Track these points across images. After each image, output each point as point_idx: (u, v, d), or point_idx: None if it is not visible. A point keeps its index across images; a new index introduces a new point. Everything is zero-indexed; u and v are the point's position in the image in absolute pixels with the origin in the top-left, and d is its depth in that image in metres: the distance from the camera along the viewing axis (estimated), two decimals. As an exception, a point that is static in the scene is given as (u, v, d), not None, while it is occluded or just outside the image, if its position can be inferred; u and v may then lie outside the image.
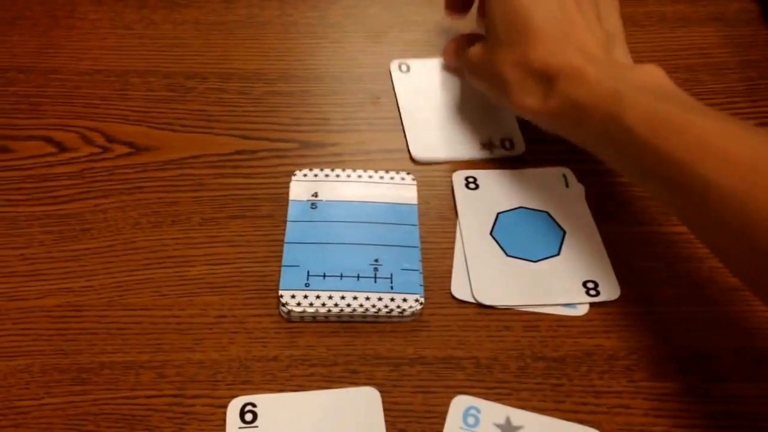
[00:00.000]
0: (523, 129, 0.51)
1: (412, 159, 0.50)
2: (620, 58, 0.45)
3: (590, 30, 0.44)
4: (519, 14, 0.44)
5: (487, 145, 0.51)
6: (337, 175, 0.48)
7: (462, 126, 0.52)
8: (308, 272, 0.43)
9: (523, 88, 0.44)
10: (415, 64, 0.56)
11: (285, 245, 0.44)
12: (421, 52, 0.57)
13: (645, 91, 0.39)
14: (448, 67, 0.56)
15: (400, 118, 0.52)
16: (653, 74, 0.41)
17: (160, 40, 0.56)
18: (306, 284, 0.43)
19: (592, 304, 0.43)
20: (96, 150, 0.49)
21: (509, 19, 0.45)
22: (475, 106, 0.53)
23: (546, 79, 0.43)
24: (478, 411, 0.39)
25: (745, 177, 0.34)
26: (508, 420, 0.38)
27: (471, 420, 0.38)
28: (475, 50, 0.49)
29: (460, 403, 0.39)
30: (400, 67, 0.56)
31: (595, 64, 0.42)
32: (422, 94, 0.54)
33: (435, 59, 0.56)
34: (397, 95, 0.54)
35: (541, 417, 0.39)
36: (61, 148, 0.49)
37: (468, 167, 0.49)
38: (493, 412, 0.39)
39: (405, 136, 0.51)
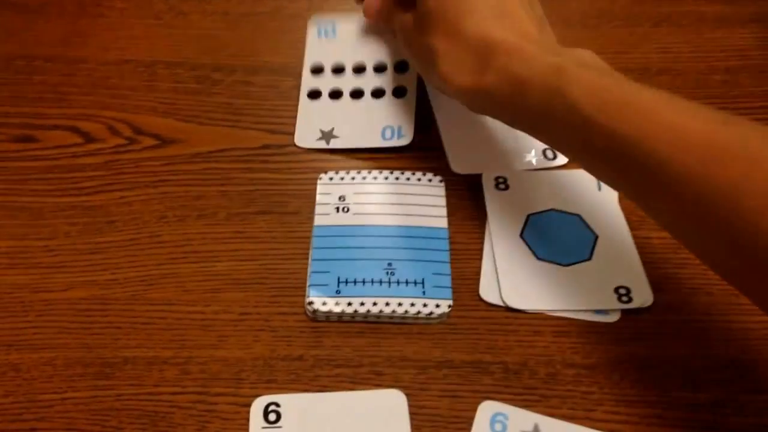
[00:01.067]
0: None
1: (451, 170, 0.48)
2: (549, 37, 0.43)
3: (524, 8, 0.42)
4: None
5: (529, 155, 0.50)
6: (363, 178, 0.47)
7: (502, 135, 0.51)
8: (338, 278, 0.43)
9: (454, 61, 0.42)
10: None
11: (313, 250, 0.44)
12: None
13: (587, 67, 0.38)
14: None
15: (434, 118, 0.51)
16: (590, 55, 0.39)
17: (189, 30, 0.55)
18: (337, 291, 0.42)
19: (624, 311, 0.42)
20: (122, 141, 0.49)
21: None
22: None
23: (481, 53, 0.41)
24: (506, 417, 0.38)
25: (702, 155, 0.32)
26: (536, 427, 0.38)
27: (498, 426, 0.38)
28: (407, 18, 0.46)
29: (487, 409, 0.38)
30: None
31: (535, 41, 0.40)
32: None
33: None
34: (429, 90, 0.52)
35: (570, 425, 0.38)
36: (88, 138, 0.49)
37: (499, 167, 0.48)
38: (521, 419, 0.38)
39: (442, 143, 0.50)
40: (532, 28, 0.42)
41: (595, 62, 0.39)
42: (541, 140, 0.41)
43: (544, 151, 0.49)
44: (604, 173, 0.39)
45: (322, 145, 0.50)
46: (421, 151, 0.49)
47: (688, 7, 0.59)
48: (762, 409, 0.38)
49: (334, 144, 0.50)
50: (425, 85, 0.51)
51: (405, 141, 0.49)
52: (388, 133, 0.50)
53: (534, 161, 0.49)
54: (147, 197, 0.46)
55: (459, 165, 0.49)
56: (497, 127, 0.50)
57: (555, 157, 0.49)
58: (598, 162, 0.38)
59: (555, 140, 0.40)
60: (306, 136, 0.50)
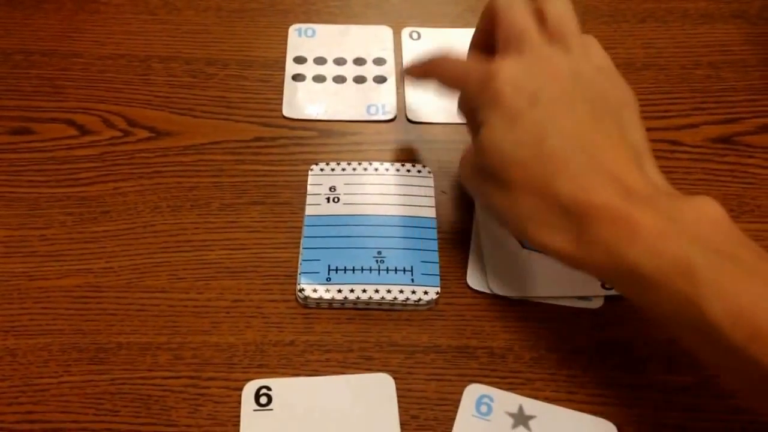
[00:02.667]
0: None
1: (408, 119, 0.52)
2: (654, 177, 0.37)
3: (614, 147, 0.36)
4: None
5: None
6: (354, 169, 0.48)
7: None
8: (329, 266, 0.43)
9: (544, 222, 0.36)
10: (427, 32, 0.57)
11: (304, 239, 0.45)
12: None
13: (721, 258, 0.31)
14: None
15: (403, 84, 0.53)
16: (711, 212, 0.33)
17: (183, 26, 0.56)
18: (327, 278, 0.43)
19: (607, 297, 0.43)
20: (117, 134, 0.50)
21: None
22: None
23: (574, 216, 0.35)
24: (491, 400, 0.39)
25: None
26: (521, 409, 0.39)
27: (484, 408, 0.39)
28: (468, 154, 0.41)
29: (473, 392, 0.39)
30: (411, 35, 0.57)
31: (640, 202, 0.34)
32: None
33: (448, 29, 0.57)
34: (404, 62, 0.55)
35: (554, 407, 0.39)
36: (83, 131, 0.50)
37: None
38: (506, 401, 0.39)
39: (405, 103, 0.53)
40: (633, 172, 0.35)
41: (719, 227, 0.33)
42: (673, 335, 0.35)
43: None
44: (752, 399, 0.34)
45: (310, 116, 0.51)
46: (411, 144, 0.51)
47: (672, 3, 0.60)
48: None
49: (321, 116, 0.52)
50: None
51: (389, 116, 0.52)
52: (372, 110, 0.52)
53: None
54: (141, 188, 0.47)
55: (413, 114, 0.52)
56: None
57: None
58: (746, 386, 0.33)
59: (689, 346, 0.34)
60: (293, 108, 0.52)
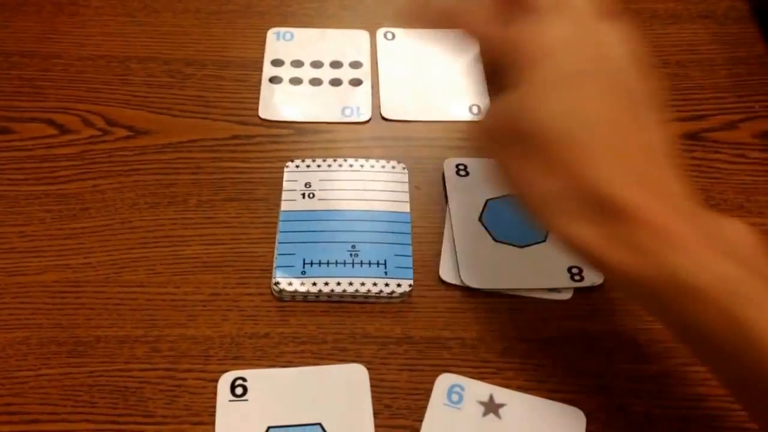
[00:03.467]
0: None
1: (383, 117, 0.53)
2: (683, 186, 0.33)
3: (652, 148, 0.33)
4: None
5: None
6: (329, 165, 0.49)
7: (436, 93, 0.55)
8: (304, 260, 0.44)
9: (571, 209, 0.33)
10: (402, 32, 0.58)
11: (279, 234, 0.46)
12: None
13: (764, 281, 0.30)
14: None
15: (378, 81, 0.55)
16: (750, 235, 0.32)
17: (161, 27, 0.57)
18: (302, 272, 0.44)
19: (576, 289, 0.44)
20: (96, 133, 0.50)
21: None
22: (453, 74, 0.56)
23: (608, 211, 0.32)
24: (462, 389, 0.40)
25: None
26: (491, 398, 0.40)
27: (455, 397, 0.40)
28: (492, 111, 0.37)
29: (445, 381, 0.40)
30: (385, 35, 0.58)
31: (679, 212, 0.32)
32: (404, 62, 0.56)
33: (423, 29, 0.58)
34: (379, 61, 0.56)
35: (523, 395, 0.40)
36: (62, 130, 0.51)
37: (459, 155, 0.51)
38: (477, 390, 0.40)
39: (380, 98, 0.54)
40: (670, 178, 0.33)
41: (765, 257, 0.32)
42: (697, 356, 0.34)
43: (470, 107, 0.54)
44: None
45: (286, 118, 0.52)
46: (386, 141, 0.51)
47: (641, 4, 0.61)
48: (703, 379, 0.41)
49: (297, 118, 0.52)
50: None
51: (364, 118, 0.53)
52: (348, 112, 0.53)
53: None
54: (120, 185, 0.48)
55: (388, 112, 0.53)
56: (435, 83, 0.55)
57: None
58: None
59: (719, 364, 0.32)
60: (270, 110, 0.53)
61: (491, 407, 0.39)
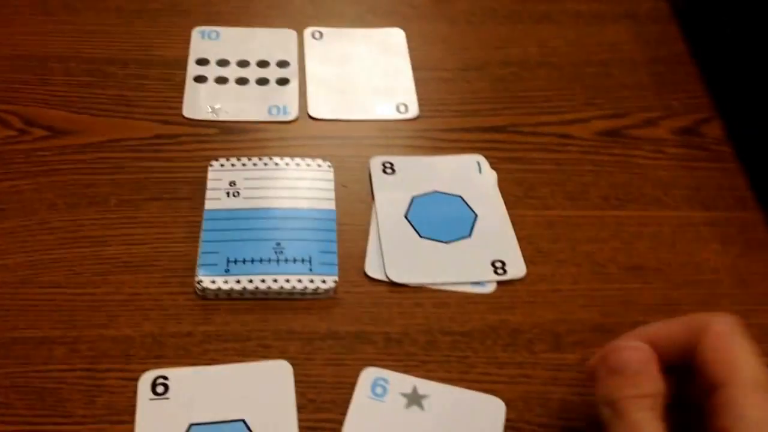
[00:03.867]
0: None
1: (310, 116, 0.53)
2: None
3: None
4: None
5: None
6: (254, 164, 0.49)
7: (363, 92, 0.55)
8: (228, 258, 0.44)
9: None
10: (329, 31, 0.59)
11: (203, 232, 0.45)
12: (343, 43, 0.58)
13: None
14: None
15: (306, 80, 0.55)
16: None
17: (82, 26, 0.56)
18: (226, 270, 0.43)
19: (499, 282, 0.45)
20: (13, 133, 0.49)
21: None
22: (380, 73, 0.56)
23: None
24: (386, 381, 0.40)
25: None
26: (414, 389, 0.40)
27: (379, 390, 0.40)
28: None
29: (369, 375, 0.40)
30: (313, 34, 0.58)
31: None
32: (332, 61, 0.57)
33: (350, 29, 0.59)
34: (306, 60, 0.56)
35: (446, 386, 0.40)
36: (-22, 130, 0.49)
37: (386, 153, 0.51)
38: (401, 382, 0.40)
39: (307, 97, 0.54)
40: None
41: None
42: None
43: (398, 106, 0.54)
44: None
45: (212, 117, 0.52)
46: (313, 140, 0.52)
47: (566, 4, 0.63)
48: (621, 365, 0.42)
49: (223, 117, 0.52)
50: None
51: (291, 117, 0.53)
52: (274, 111, 0.53)
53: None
54: (38, 186, 0.47)
55: (317, 113, 0.53)
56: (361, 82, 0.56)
57: (407, 111, 0.54)
58: None
59: None
60: (194, 109, 0.52)
61: (414, 399, 0.39)
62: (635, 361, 0.34)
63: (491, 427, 0.39)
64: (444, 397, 0.40)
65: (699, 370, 0.33)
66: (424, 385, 0.40)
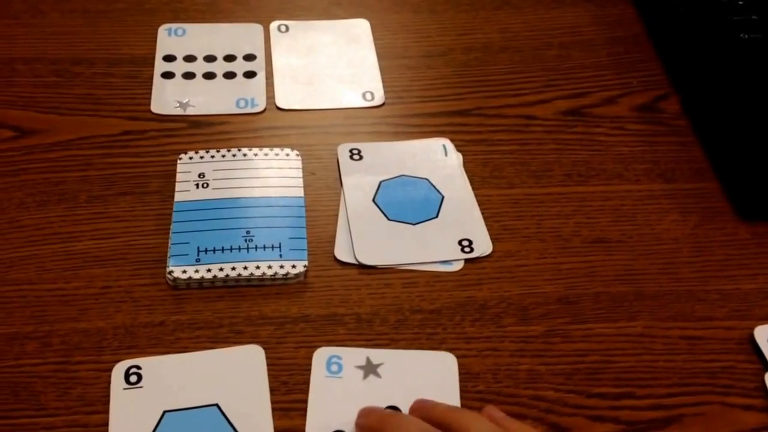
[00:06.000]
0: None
1: (277, 107, 0.53)
2: None
3: None
4: None
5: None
6: (223, 156, 0.50)
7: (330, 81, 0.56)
8: (198, 248, 0.45)
9: None
10: (295, 24, 0.59)
11: (173, 224, 0.46)
12: (308, 35, 0.59)
13: None
14: None
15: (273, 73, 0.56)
16: None
17: (48, 28, 0.56)
18: (197, 259, 0.44)
19: (466, 260, 0.46)
20: (-20, 134, 0.50)
21: None
22: (346, 63, 0.57)
23: None
24: (340, 358, 0.41)
25: None
26: (368, 360, 0.41)
27: (334, 367, 0.41)
28: None
29: (321, 354, 0.41)
30: (279, 27, 0.59)
31: None
32: (298, 52, 0.57)
33: (315, 21, 0.60)
34: (273, 53, 0.57)
35: (397, 351, 0.41)
36: (-55, 133, 0.50)
37: (353, 140, 0.52)
38: (354, 356, 0.41)
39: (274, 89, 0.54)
40: None
41: None
42: None
43: (363, 94, 0.55)
44: None
45: (180, 112, 0.52)
46: (281, 130, 0.52)
47: (525, -10, 0.64)
48: (585, 336, 0.43)
49: (191, 111, 0.53)
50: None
51: (259, 109, 0.53)
52: (242, 103, 0.54)
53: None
54: (6, 185, 0.47)
55: (283, 104, 0.53)
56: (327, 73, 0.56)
57: (373, 99, 0.55)
58: None
59: None
60: (162, 105, 0.53)
61: (370, 369, 0.40)
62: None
63: (447, 379, 0.40)
64: (397, 361, 0.41)
65: None
66: (377, 354, 0.41)
